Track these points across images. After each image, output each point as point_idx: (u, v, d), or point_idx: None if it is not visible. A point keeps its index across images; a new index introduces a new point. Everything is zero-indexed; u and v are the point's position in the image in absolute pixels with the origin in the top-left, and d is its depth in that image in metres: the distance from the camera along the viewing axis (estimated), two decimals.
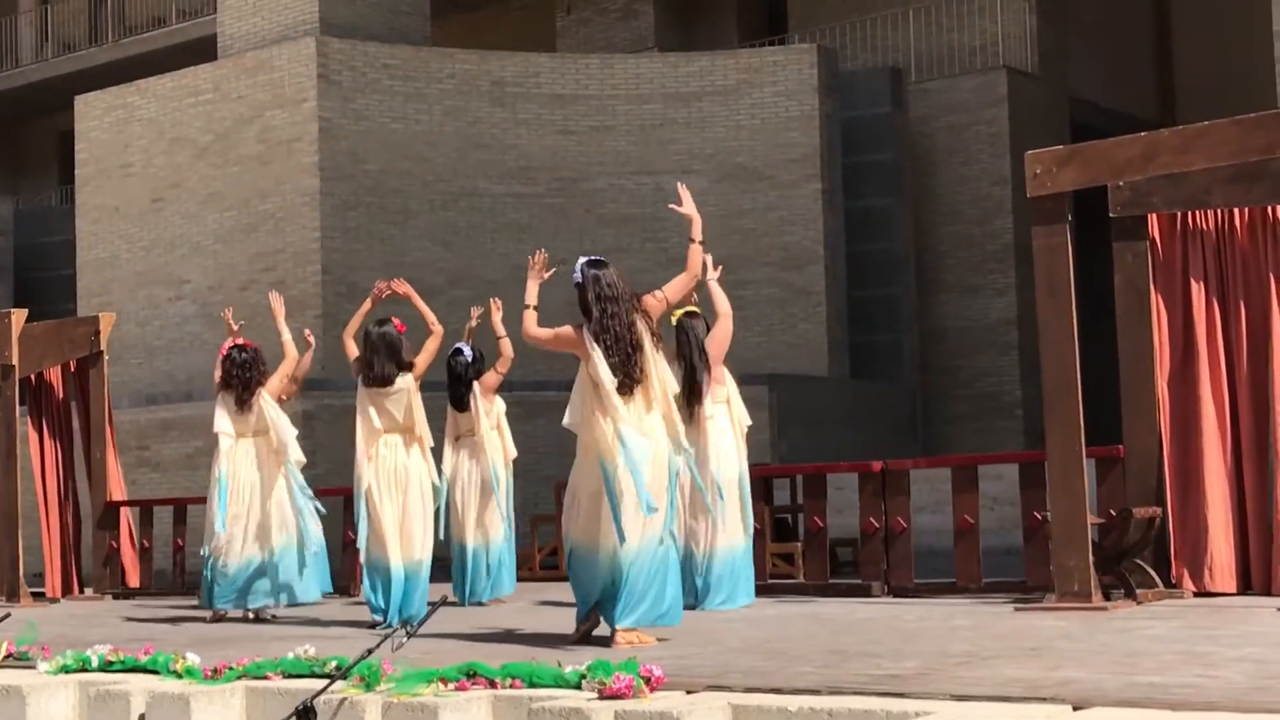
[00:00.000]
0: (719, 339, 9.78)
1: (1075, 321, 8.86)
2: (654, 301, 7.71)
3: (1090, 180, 9.14)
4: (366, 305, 9.96)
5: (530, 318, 7.79)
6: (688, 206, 7.95)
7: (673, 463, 7.57)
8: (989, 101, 22.59)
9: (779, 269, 20.84)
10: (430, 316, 9.90)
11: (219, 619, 10.46)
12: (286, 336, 10.73)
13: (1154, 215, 9.47)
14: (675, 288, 7.82)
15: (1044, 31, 23.58)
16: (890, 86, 22.32)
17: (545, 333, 7.70)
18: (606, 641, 7.37)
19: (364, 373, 9.45)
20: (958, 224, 22.71)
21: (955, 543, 10.07)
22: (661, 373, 7.60)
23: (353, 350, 9.71)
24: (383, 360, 9.37)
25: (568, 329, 7.63)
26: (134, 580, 13.81)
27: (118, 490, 14.05)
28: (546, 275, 8.05)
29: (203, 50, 23.78)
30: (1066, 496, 8.72)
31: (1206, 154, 8.73)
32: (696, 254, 7.89)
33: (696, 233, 7.91)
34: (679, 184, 8.38)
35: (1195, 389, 9.34)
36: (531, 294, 7.90)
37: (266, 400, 10.52)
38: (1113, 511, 9.10)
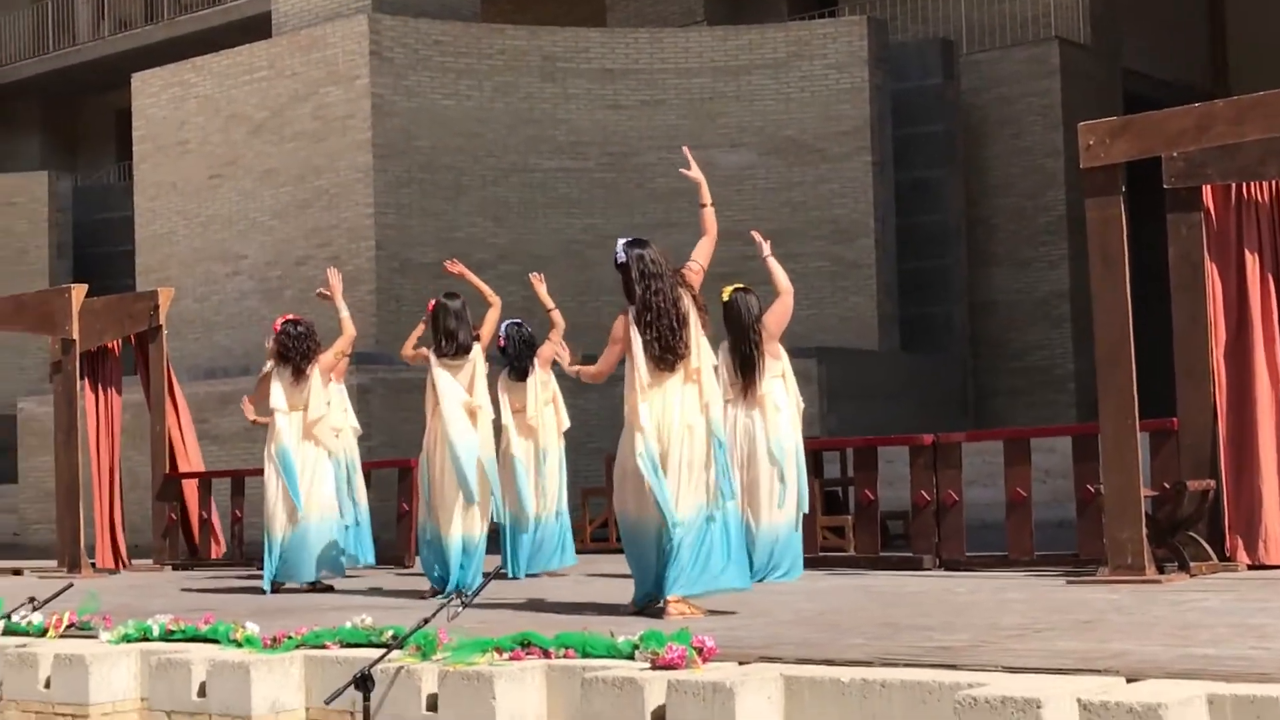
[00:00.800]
0: (780, 314, 9.79)
1: (1129, 294, 8.82)
2: (693, 275, 7.80)
3: (1144, 151, 9.08)
4: (420, 328, 9.94)
5: (586, 368, 8.05)
6: (695, 171, 8.03)
7: (715, 434, 7.62)
8: (1041, 73, 22.43)
9: (829, 242, 20.79)
10: (487, 289, 10.02)
11: (278, 590, 10.59)
12: (345, 314, 10.82)
13: (1208, 186, 9.42)
14: (704, 253, 7.91)
15: (1096, 2, 23.38)
16: (941, 58, 22.20)
17: (606, 357, 7.80)
18: (659, 613, 7.42)
19: (445, 343, 9.46)
20: (1009, 196, 22.58)
21: (1007, 515, 10.05)
22: (702, 347, 7.67)
23: (415, 356, 9.71)
24: (466, 330, 9.48)
25: (615, 331, 7.69)
26: (206, 551, 13.97)
27: (184, 462, 14.22)
28: (579, 363, 8.51)
29: (257, 28, 23.93)
30: (1120, 469, 8.70)
31: (1261, 125, 8.66)
32: (711, 216, 8.01)
33: (705, 196, 8.04)
34: (684, 147, 8.46)
35: (1250, 361, 9.29)
36: (576, 363, 8.41)
37: (315, 374, 10.61)
38: (1166, 484, 9.08)
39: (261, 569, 10.92)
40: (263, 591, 10.43)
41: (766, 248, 9.95)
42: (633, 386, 7.58)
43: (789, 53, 21.15)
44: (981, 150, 22.70)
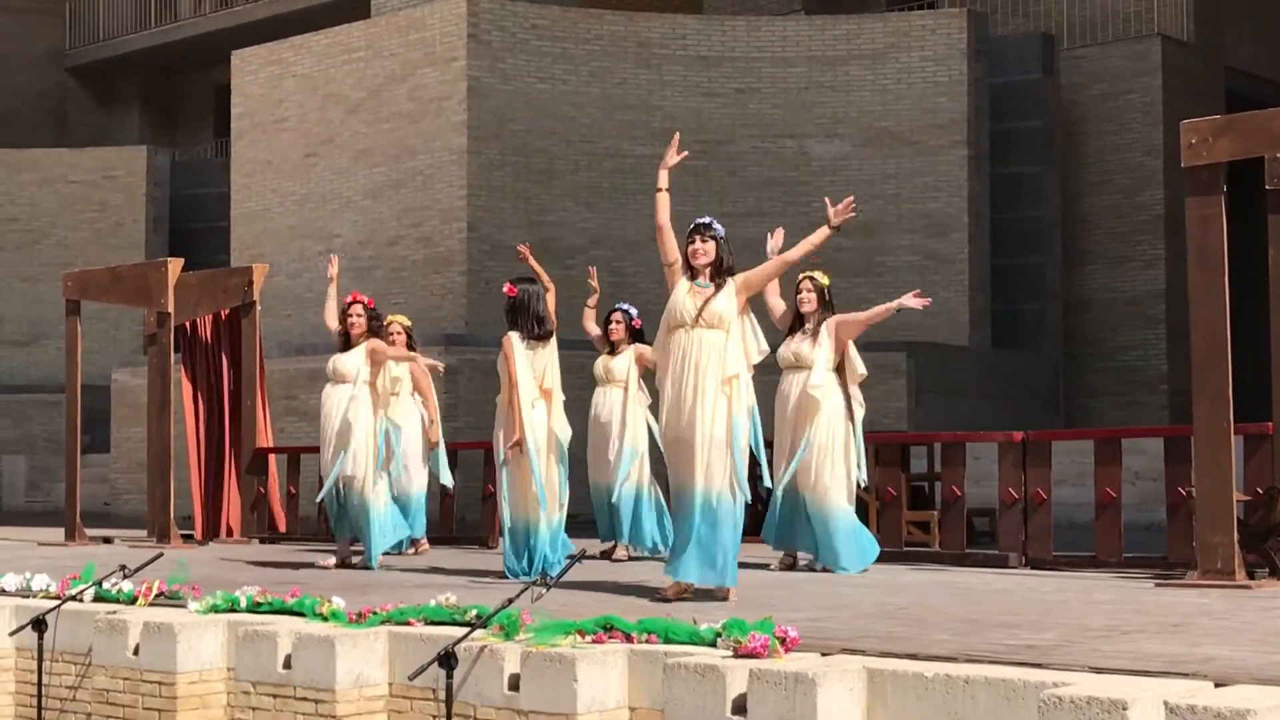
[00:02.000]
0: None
1: (1227, 294, 8.68)
2: None
3: (1247, 151, 8.92)
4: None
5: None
6: (673, 159, 8.12)
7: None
8: (1142, 70, 22.14)
9: (922, 235, 20.65)
10: (545, 275, 10.11)
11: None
12: (333, 303, 11.07)
13: None
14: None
15: None
16: (1041, 53, 21.97)
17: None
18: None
19: (536, 327, 9.51)
20: (1107, 194, 22.33)
21: (1096, 516, 9.94)
22: None
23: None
24: (548, 313, 9.58)
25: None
26: (292, 526, 14.13)
27: (262, 438, 14.36)
28: None
29: (356, 8, 24.12)
30: (1213, 471, 8.57)
31: None
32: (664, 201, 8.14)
33: (664, 181, 8.11)
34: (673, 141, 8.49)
35: None
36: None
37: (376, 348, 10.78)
38: (1260, 489, 8.94)
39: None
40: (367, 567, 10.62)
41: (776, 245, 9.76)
42: (756, 357, 7.71)
43: (887, 44, 21.02)
44: (1079, 147, 22.45)
